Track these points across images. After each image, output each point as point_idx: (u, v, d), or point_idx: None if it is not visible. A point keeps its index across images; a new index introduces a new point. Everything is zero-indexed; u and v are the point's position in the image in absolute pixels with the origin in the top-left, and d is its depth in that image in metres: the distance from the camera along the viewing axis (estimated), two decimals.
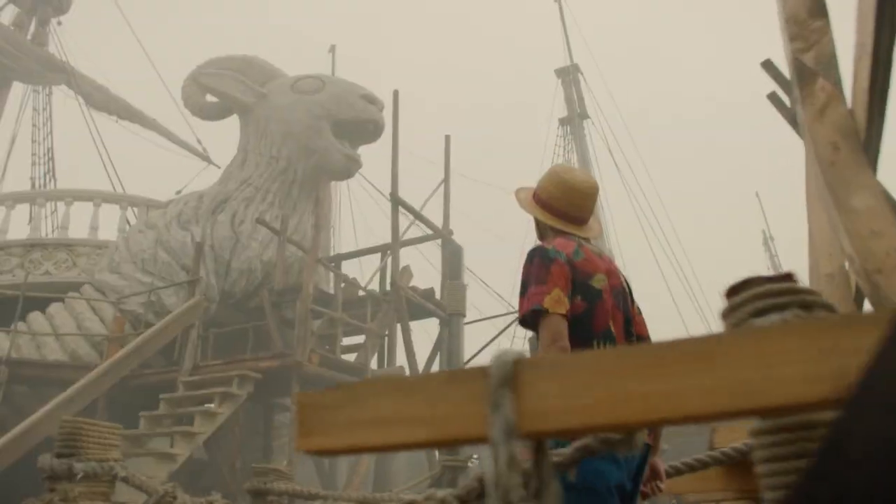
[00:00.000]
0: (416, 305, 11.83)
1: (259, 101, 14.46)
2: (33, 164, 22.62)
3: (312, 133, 13.92)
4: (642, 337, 2.62)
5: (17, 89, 21.88)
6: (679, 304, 21.80)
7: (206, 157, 23.81)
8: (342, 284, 10.61)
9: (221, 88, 14.36)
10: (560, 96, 25.75)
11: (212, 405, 9.73)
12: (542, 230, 2.71)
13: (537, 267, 2.36)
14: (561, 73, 25.84)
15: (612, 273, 2.54)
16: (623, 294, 2.56)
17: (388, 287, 12.46)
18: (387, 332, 11.38)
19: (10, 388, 11.12)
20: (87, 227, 14.09)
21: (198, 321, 10.91)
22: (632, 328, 2.56)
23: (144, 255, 12.91)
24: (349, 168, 13.95)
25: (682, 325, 22.77)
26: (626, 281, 2.64)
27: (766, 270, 30.93)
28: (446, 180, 13.49)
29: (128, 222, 15.86)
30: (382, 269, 13.35)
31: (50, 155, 22.67)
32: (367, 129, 14.22)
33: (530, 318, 2.31)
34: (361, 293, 12.23)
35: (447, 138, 14.05)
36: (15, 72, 20.90)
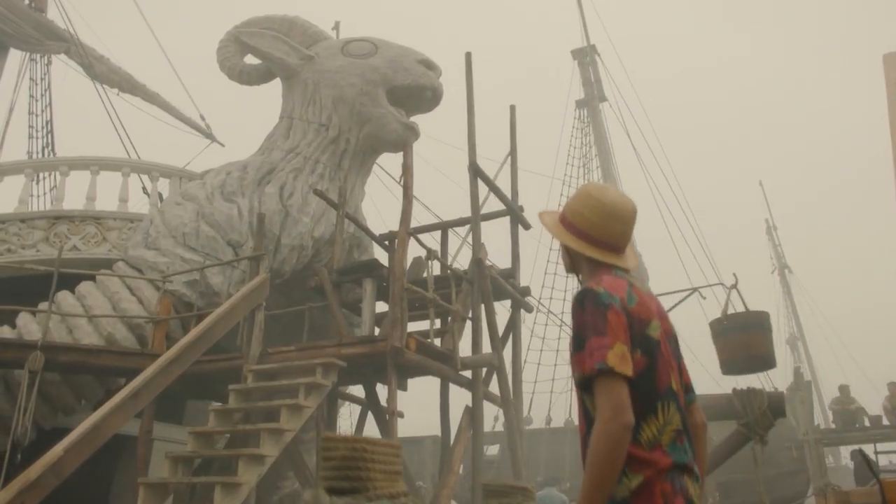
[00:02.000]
0: (497, 286, 10.41)
1: (306, 63, 12.88)
2: (30, 136, 20.74)
3: (367, 99, 12.40)
4: (688, 386, 2.32)
5: (15, 58, 19.95)
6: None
7: (209, 135, 22.14)
8: (431, 261, 9.10)
9: (265, 49, 12.74)
10: (577, 78, 24.46)
11: (288, 399, 8.19)
12: (574, 260, 2.42)
13: (592, 314, 2.06)
14: (577, 54, 24.54)
15: (663, 315, 2.28)
16: (675, 339, 2.30)
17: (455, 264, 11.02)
18: (470, 315, 9.93)
19: (42, 376, 9.47)
20: (115, 199, 12.39)
21: (264, 301, 9.36)
22: (682, 378, 2.27)
23: (186, 230, 11.28)
24: (407, 138, 12.45)
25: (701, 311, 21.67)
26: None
27: (769, 260, 30.28)
28: (513, 153, 12.07)
29: (159, 195, 14.23)
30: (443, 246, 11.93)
31: (49, 128, 20.80)
32: (426, 97, 12.74)
33: (588, 380, 2.00)
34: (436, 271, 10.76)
35: (512, 108, 12.62)
36: (12, 38, 18.96)
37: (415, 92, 12.60)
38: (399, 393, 9.30)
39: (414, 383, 10.12)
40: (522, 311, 11.61)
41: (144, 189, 13.77)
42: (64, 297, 10.65)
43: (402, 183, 9.10)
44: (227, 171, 12.07)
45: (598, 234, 2.30)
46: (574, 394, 2.90)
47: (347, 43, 13.01)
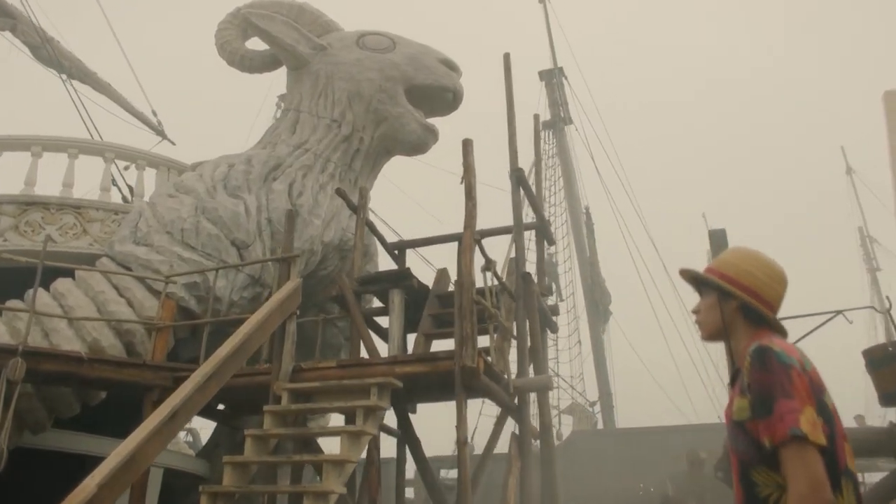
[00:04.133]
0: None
1: (318, 53, 11.48)
2: None
3: (385, 97, 11.10)
4: None
5: None
6: (660, 316, 20.20)
7: (160, 132, 20.16)
8: (491, 272, 7.88)
9: (276, 34, 11.26)
10: (544, 99, 23.79)
11: (347, 425, 6.80)
12: (729, 322, 2.20)
13: (776, 374, 1.87)
14: (545, 75, 23.88)
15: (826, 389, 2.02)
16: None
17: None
18: (514, 333, 8.74)
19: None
20: (95, 188, 10.60)
21: (297, 311, 7.90)
22: None
23: (185, 226, 9.65)
24: (426, 141, 11.23)
25: (663, 338, 21.15)
26: None
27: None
28: (537, 163, 11.01)
29: (129, 187, 12.46)
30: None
31: None
32: (446, 99, 11.55)
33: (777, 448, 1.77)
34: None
35: (536, 118, 11.58)
36: None
37: (436, 93, 11.40)
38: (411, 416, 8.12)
39: None
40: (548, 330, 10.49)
41: (128, 186, 12.00)
42: (39, 296, 8.83)
43: (463, 183, 7.84)
44: (230, 164, 10.49)
45: (766, 296, 2.18)
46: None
47: (363, 36, 11.68)
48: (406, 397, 7.68)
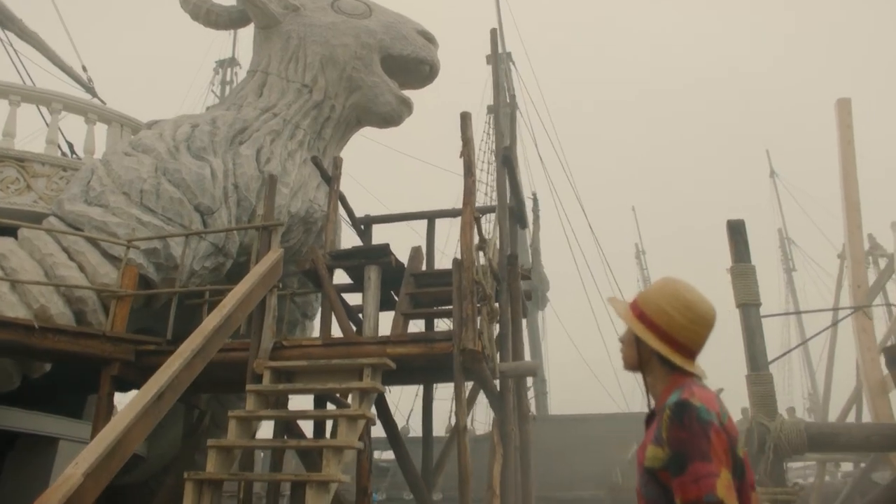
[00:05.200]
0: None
1: (290, 14, 10.65)
2: None
3: (360, 65, 10.41)
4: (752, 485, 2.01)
5: None
6: (595, 307, 20.23)
7: (90, 89, 18.72)
8: (489, 251, 7.41)
9: None
10: (490, 84, 23.28)
11: (339, 409, 6.23)
12: (644, 360, 2.12)
13: (695, 434, 1.81)
14: (492, 58, 23.37)
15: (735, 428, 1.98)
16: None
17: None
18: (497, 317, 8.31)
19: None
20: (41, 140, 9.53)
21: (279, 283, 7.23)
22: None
23: (144, 187, 8.76)
24: (401, 114, 10.61)
25: (597, 329, 21.18)
26: None
27: (636, 282, 30.73)
28: (512, 144, 10.57)
29: (70, 145, 11.40)
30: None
31: None
32: (422, 72, 10.94)
33: None
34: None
35: (512, 98, 11.13)
36: None
37: (412, 65, 10.78)
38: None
39: None
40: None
41: (68, 143, 10.90)
42: None
43: (462, 158, 7.32)
44: (192, 124, 9.61)
45: (682, 338, 2.03)
46: None
47: None
48: (395, 379, 7.13)
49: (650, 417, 2.08)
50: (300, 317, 11.23)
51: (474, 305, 6.66)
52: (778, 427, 5.48)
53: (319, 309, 11.81)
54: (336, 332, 8.07)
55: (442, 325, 9.39)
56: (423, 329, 9.48)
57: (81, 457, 4.34)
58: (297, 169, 9.97)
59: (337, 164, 9.23)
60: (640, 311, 2.11)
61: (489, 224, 24.01)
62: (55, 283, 7.65)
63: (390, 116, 10.57)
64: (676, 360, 2.02)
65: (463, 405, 6.45)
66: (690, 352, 2.05)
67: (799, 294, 28.33)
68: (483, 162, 23.05)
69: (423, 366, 6.87)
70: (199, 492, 5.41)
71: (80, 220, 8.49)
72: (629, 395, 20.91)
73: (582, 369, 21.66)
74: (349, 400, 6.17)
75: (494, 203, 23.21)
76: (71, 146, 12.31)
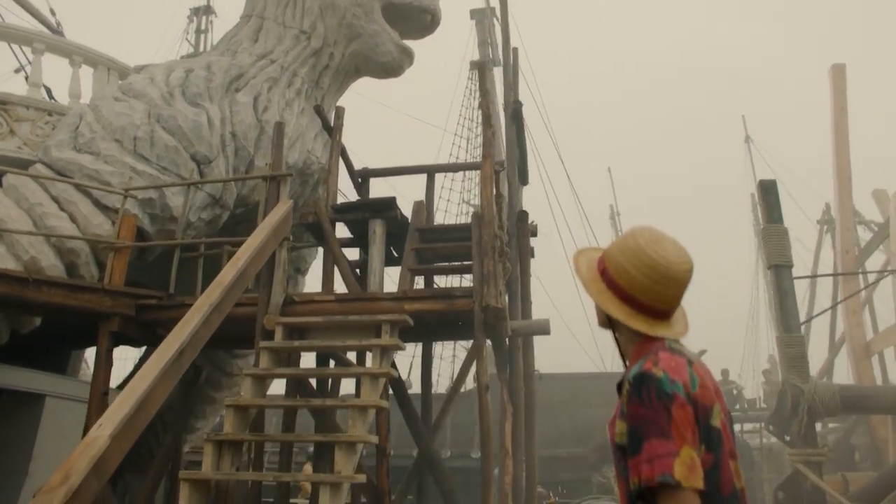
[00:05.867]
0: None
1: None
2: None
3: (360, 11, 9.89)
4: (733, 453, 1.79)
5: None
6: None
7: (58, 33, 17.81)
8: (500, 207, 7.13)
9: None
10: (474, 39, 22.74)
11: (358, 367, 5.94)
12: (614, 322, 1.89)
13: (653, 408, 1.62)
14: (476, 13, 22.82)
15: (719, 391, 1.79)
16: (731, 419, 1.83)
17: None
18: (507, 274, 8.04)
19: None
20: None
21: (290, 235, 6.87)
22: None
23: (137, 134, 8.25)
24: (402, 64, 10.16)
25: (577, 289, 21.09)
26: None
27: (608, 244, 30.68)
28: (515, 98, 10.23)
29: (47, 90, 10.74)
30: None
31: None
32: (423, 21, 10.46)
33: (648, 492, 1.56)
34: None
35: (515, 51, 10.75)
36: None
37: (413, 13, 10.28)
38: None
39: None
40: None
41: (49, 91, 10.23)
42: None
43: (480, 109, 6.97)
44: (186, 69, 9.06)
45: (646, 299, 1.80)
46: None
47: None
48: (409, 336, 6.85)
49: (621, 384, 1.83)
50: (293, 272, 10.85)
51: (496, 261, 6.38)
52: (812, 389, 5.35)
53: (312, 264, 11.52)
54: (338, 287, 7.78)
55: (442, 281, 9.15)
56: (422, 286, 9.22)
57: (106, 418, 4.00)
58: (295, 118, 9.51)
59: (339, 114, 8.79)
60: (603, 268, 1.90)
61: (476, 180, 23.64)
62: (48, 234, 7.17)
63: (391, 67, 10.11)
64: (635, 324, 1.82)
65: (484, 363, 6.21)
66: (658, 311, 1.82)
67: None
68: (463, 118, 22.66)
69: (438, 322, 6.58)
70: (218, 452, 5.11)
71: (70, 168, 7.97)
72: (606, 355, 20.99)
73: (560, 328, 21.64)
74: (368, 358, 5.87)
75: (478, 160, 22.86)
76: (48, 90, 11.63)
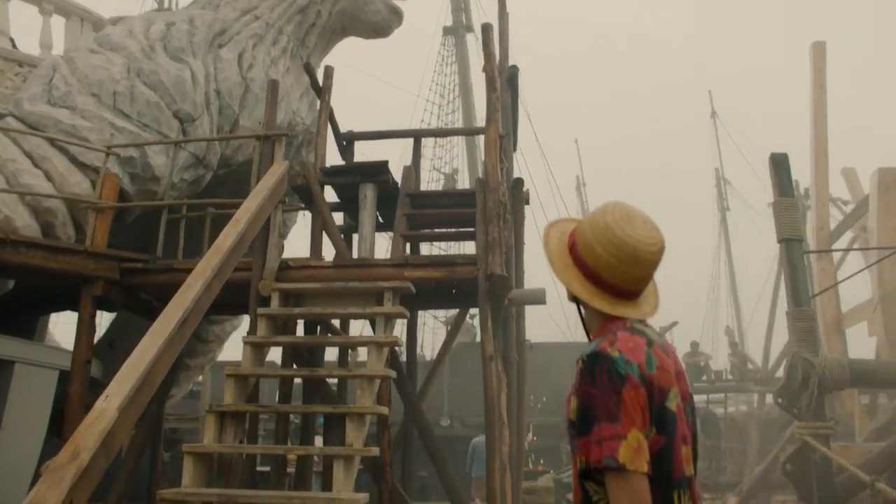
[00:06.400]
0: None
1: None
2: None
3: None
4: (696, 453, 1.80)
5: None
6: None
7: None
8: (503, 169, 6.90)
9: None
10: (448, 5, 22.31)
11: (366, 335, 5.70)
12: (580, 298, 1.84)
13: (604, 390, 1.59)
14: None
15: (681, 374, 1.78)
16: (691, 401, 1.82)
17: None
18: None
19: None
20: None
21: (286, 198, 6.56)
22: (696, 447, 1.79)
23: (117, 88, 7.78)
24: (391, 24, 9.79)
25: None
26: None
27: (577, 215, 30.76)
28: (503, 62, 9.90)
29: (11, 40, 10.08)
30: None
31: None
32: None
33: (597, 473, 1.57)
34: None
35: (501, 2, 10.39)
36: None
37: None
38: None
39: None
40: None
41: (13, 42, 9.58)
42: None
43: (484, 72, 6.70)
44: (167, 22, 8.57)
45: (611, 278, 1.74)
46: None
47: None
48: (407, 303, 6.62)
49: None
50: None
51: (500, 228, 6.17)
52: (822, 363, 5.30)
53: (292, 229, 11.16)
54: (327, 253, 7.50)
55: (431, 249, 8.91)
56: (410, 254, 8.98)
57: (112, 389, 3.70)
58: (280, 78, 9.08)
59: (328, 73, 8.38)
60: (573, 242, 1.84)
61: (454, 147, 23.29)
62: (25, 192, 6.72)
63: (380, 27, 9.73)
64: (597, 302, 1.77)
65: (489, 332, 6.02)
66: (623, 291, 1.77)
67: (733, 230, 29.10)
68: (436, 84, 22.29)
69: (433, 290, 6.36)
70: (220, 424, 4.84)
71: (44, 123, 7.48)
72: (573, 323, 21.07)
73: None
74: (377, 326, 5.63)
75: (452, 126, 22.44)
76: (12, 42, 10.94)
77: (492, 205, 6.20)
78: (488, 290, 6.04)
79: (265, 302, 6.07)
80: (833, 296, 12.85)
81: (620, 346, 1.66)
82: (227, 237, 5.18)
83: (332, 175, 8.19)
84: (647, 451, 1.58)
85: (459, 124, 23.05)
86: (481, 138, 22.79)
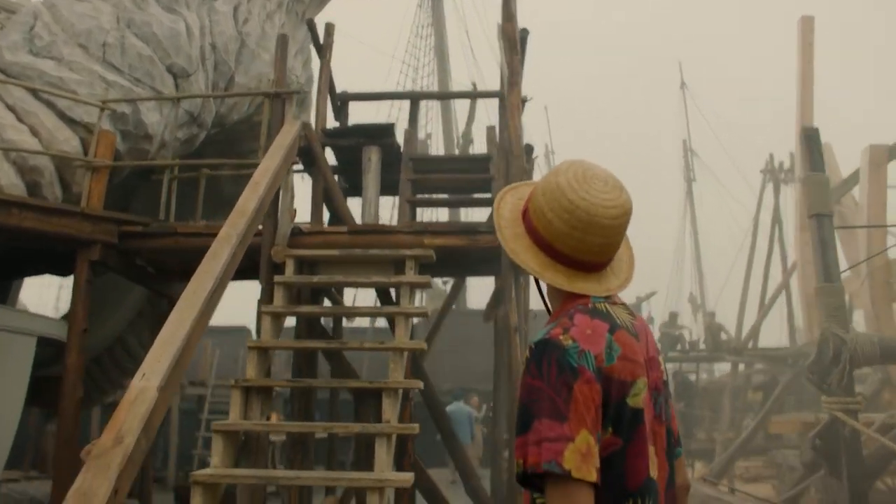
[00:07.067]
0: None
1: None
2: None
3: None
4: (677, 439, 1.57)
5: None
6: None
7: None
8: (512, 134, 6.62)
9: None
10: None
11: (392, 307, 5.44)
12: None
13: (551, 384, 1.33)
14: None
15: (652, 361, 1.51)
16: (665, 389, 1.55)
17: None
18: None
19: None
20: None
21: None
22: (672, 440, 1.53)
23: (106, 39, 7.24)
24: None
25: None
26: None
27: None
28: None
29: None
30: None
31: None
32: None
33: (536, 478, 1.31)
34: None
35: None
36: None
37: None
38: None
39: None
40: None
41: None
42: None
43: (505, 34, 6.38)
44: None
45: (565, 248, 1.47)
46: None
47: None
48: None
49: None
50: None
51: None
52: (854, 339, 5.21)
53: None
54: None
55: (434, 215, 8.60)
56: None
57: (149, 367, 3.36)
58: (276, 33, 8.59)
59: (329, 30, 7.94)
60: (525, 208, 1.58)
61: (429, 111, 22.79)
62: (13, 148, 6.20)
63: None
64: (550, 277, 1.51)
65: (512, 303, 5.79)
66: (582, 263, 1.50)
67: (697, 202, 29.35)
68: (413, 46, 21.79)
69: (441, 259, 6.10)
70: (245, 400, 4.53)
71: (28, 74, 6.92)
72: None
73: None
74: (402, 296, 5.33)
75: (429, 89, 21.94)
76: None
77: (515, 171, 5.91)
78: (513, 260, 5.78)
79: (276, 269, 5.73)
80: (815, 271, 12.94)
81: (575, 334, 1.40)
82: (249, 200, 4.81)
83: (334, 136, 7.82)
84: (597, 456, 1.33)
85: (435, 88, 22.60)
86: (457, 103, 22.39)
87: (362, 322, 18.41)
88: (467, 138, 21.64)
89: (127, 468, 2.97)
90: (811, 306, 12.89)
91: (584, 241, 1.47)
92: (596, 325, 1.43)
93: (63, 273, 9.29)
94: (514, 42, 6.39)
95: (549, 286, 1.56)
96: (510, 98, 6.22)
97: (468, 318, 16.57)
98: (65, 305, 22.41)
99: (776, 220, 18.10)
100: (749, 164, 22.40)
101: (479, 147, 24.29)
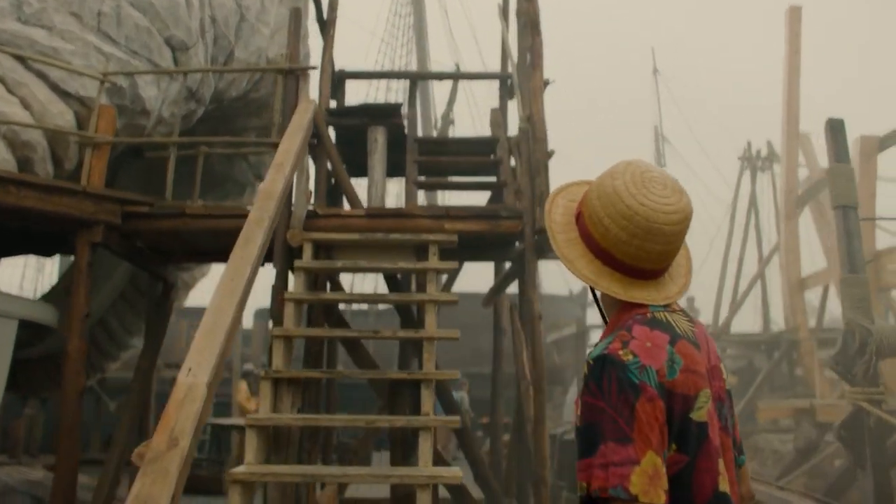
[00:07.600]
0: None
1: None
2: None
3: None
4: (739, 448, 1.50)
5: None
6: None
7: None
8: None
9: None
10: None
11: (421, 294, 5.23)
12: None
13: (613, 404, 1.28)
14: None
15: (715, 371, 1.43)
16: (728, 398, 1.48)
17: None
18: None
19: None
20: None
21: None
22: (735, 440, 1.47)
23: (101, 8, 6.82)
24: None
25: None
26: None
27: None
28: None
29: None
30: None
31: None
32: None
33: (601, 502, 1.25)
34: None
35: None
36: None
37: None
38: None
39: None
40: None
41: None
42: None
43: (526, 13, 6.16)
44: None
45: (623, 256, 1.40)
46: None
47: None
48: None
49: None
50: (252, 178, 9.74)
51: (548, 182, 5.72)
52: (880, 330, 5.18)
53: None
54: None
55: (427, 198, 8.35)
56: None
57: (194, 362, 3.11)
58: (276, 8, 8.26)
59: (333, 5, 7.64)
60: (579, 212, 1.50)
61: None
62: (7, 121, 5.78)
63: None
64: (607, 285, 1.43)
65: (535, 289, 5.63)
66: (640, 271, 1.43)
67: None
68: (391, 25, 21.39)
69: (467, 242, 5.91)
70: (275, 392, 4.29)
71: (17, 43, 6.47)
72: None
73: None
74: (428, 282, 5.12)
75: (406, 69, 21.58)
76: None
77: (540, 156, 5.72)
78: (536, 246, 5.62)
79: (293, 253, 5.47)
80: (798, 258, 13.10)
81: (635, 347, 1.33)
82: (275, 182, 4.53)
83: (339, 116, 7.55)
84: (665, 477, 1.28)
85: (413, 67, 22.22)
86: (435, 83, 22.01)
87: (361, 305, 18.25)
88: (447, 119, 21.34)
89: (183, 472, 2.73)
90: (794, 293, 13.06)
91: (644, 249, 1.39)
92: (656, 337, 1.35)
93: (46, 253, 8.87)
94: (535, 24, 6.18)
95: (603, 294, 1.48)
96: (533, 80, 6.01)
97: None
98: (29, 285, 21.59)
99: (753, 206, 18.28)
100: (723, 151, 22.57)
101: (460, 129, 24.02)
